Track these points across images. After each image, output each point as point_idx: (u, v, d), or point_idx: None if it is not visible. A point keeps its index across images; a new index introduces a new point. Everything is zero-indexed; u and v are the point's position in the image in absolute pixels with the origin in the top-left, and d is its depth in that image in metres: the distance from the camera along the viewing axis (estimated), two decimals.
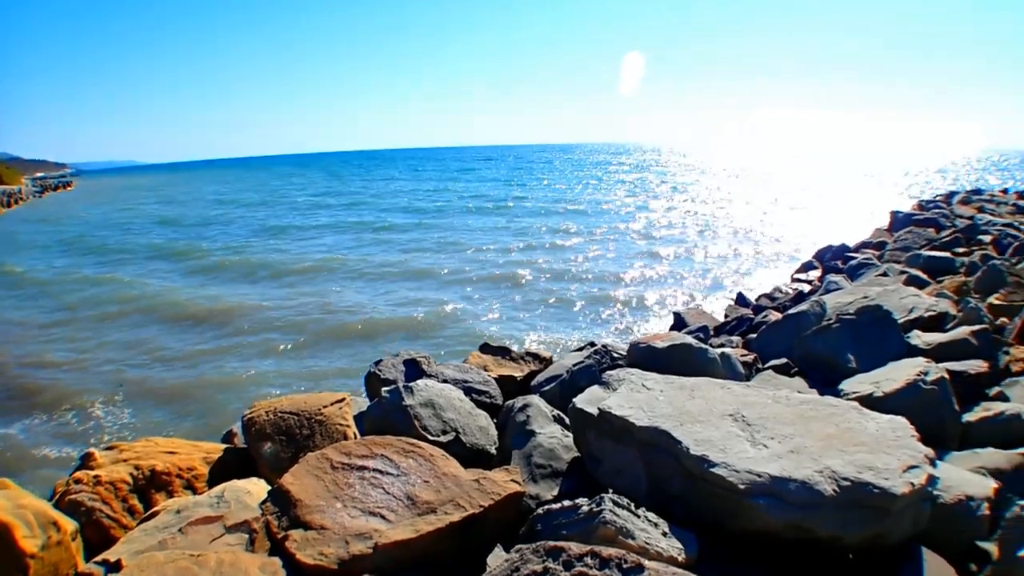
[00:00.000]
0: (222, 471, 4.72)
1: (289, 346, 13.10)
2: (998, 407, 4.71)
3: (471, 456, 4.62)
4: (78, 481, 4.26)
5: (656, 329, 13.25)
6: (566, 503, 3.26)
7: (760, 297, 12.79)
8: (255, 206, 47.01)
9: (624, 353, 6.01)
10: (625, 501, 3.18)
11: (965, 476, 3.70)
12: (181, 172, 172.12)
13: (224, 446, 5.19)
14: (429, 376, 5.95)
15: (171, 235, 32.93)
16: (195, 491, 4.53)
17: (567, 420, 4.63)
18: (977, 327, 6.12)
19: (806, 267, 16.12)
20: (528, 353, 7.04)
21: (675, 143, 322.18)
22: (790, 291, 12.52)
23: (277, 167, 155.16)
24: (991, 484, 3.61)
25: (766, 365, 6.14)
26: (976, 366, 5.38)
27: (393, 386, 5.03)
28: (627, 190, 53.70)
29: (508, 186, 58.30)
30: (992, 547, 3.33)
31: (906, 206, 26.67)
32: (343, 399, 5.09)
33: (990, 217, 17.45)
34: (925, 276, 9.49)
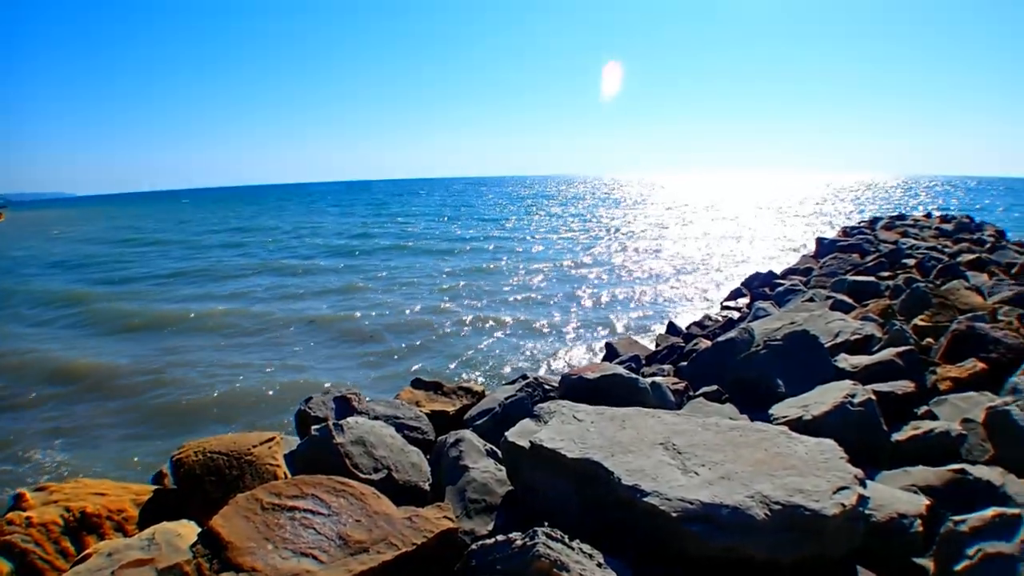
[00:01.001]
0: (153, 513, 4.67)
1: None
2: (927, 425, 4.97)
3: (404, 493, 4.66)
4: (11, 523, 4.25)
5: (589, 360, 13.44)
6: (500, 537, 3.32)
7: (691, 325, 13.12)
8: (168, 245, 45.26)
9: (556, 385, 6.15)
10: (559, 533, 3.24)
11: (897, 494, 3.87)
12: (115, 204, 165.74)
13: (154, 487, 5.10)
14: (360, 413, 6.01)
15: (51, 277, 30.99)
16: (126, 533, 4.49)
17: (501, 454, 4.70)
18: (903, 348, 6.45)
19: (735, 294, 16.58)
20: (460, 387, 7.15)
21: (610, 177, 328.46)
22: (720, 319, 12.86)
23: (217, 200, 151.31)
24: (923, 501, 3.80)
25: (697, 392, 6.33)
26: (903, 386, 5.64)
27: (323, 424, 5.07)
28: (560, 222, 54.42)
29: (437, 221, 58.18)
30: (928, 563, 3.49)
31: (830, 233, 27.79)
32: (273, 438, 5.10)
33: (913, 241, 18.40)
34: (851, 300, 9.91)
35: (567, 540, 3.21)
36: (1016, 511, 3.49)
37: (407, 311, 19.32)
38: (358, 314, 18.72)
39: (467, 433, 5.18)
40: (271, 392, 12.28)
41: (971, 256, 14.67)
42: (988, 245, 18.19)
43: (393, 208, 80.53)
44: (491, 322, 17.60)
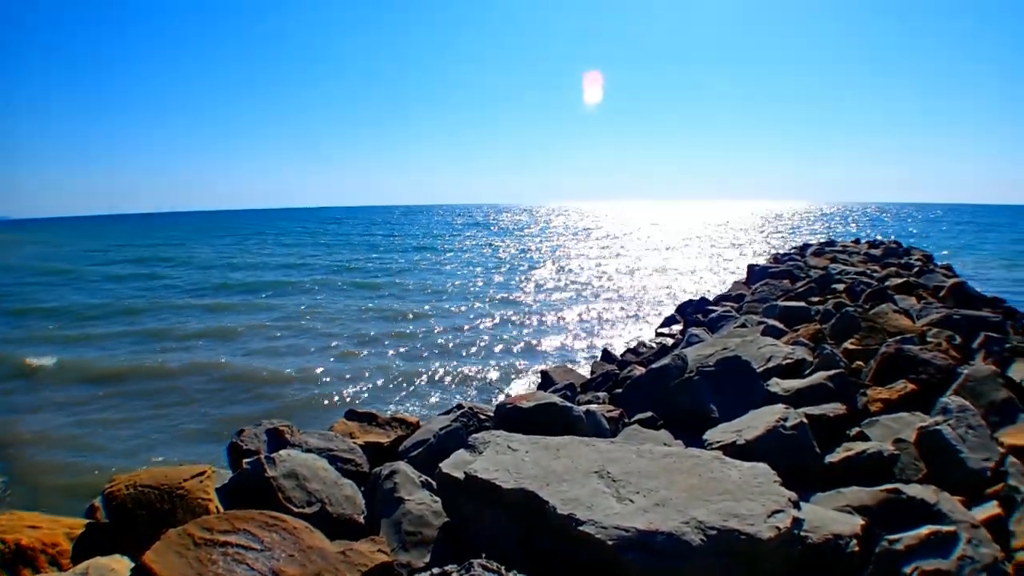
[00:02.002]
0: (86, 547, 4.60)
1: None
2: (859, 446, 5.10)
3: (338, 527, 4.63)
4: None
5: (524, 388, 13.45)
6: (436, 570, 3.34)
7: (625, 352, 13.28)
8: (54, 275, 42.54)
9: (491, 415, 6.25)
10: (495, 565, 3.28)
11: (832, 515, 3.96)
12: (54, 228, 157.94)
13: (86, 521, 4.99)
14: (292, 445, 5.97)
15: None
16: (60, 567, 4.42)
17: (436, 485, 4.71)
18: (834, 372, 6.66)
19: (669, 321, 16.86)
20: (395, 418, 7.14)
21: (548, 206, 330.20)
22: (654, 345, 13.05)
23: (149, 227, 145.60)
24: (858, 521, 3.90)
25: (632, 419, 6.42)
26: (835, 409, 5.80)
27: (255, 457, 5.06)
28: (494, 250, 54.55)
29: (360, 249, 57.51)
30: None
31: (761, 260, 28.50)
32: (204, 471, 5.04)
33: (843, 267, 19.00)
34: (782, 325, 10.15)
35: (503, 571, 3.25)
36: (951, 528, 3.60)
37: (333, 342, 19.01)
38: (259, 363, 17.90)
39: (402, 465, 5.21)
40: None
41: (899, 280, 15.20)
42: (916, 269, 18.92)
43: (322, 237, 78.88)
44: (425, 352, 17.46)
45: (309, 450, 5.78)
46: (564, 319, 21.89)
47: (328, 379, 15.12)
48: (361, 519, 4.86)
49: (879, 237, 38.65)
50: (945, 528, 3.60)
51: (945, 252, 38.02)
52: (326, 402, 13.35)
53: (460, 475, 4.19)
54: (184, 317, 23.63)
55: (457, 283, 31.77)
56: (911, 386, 6.66)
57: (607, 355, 13.10)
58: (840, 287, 14.45)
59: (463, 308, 24.30)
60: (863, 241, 33.63)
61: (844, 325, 9.42)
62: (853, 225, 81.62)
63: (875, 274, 17.40)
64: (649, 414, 6.40)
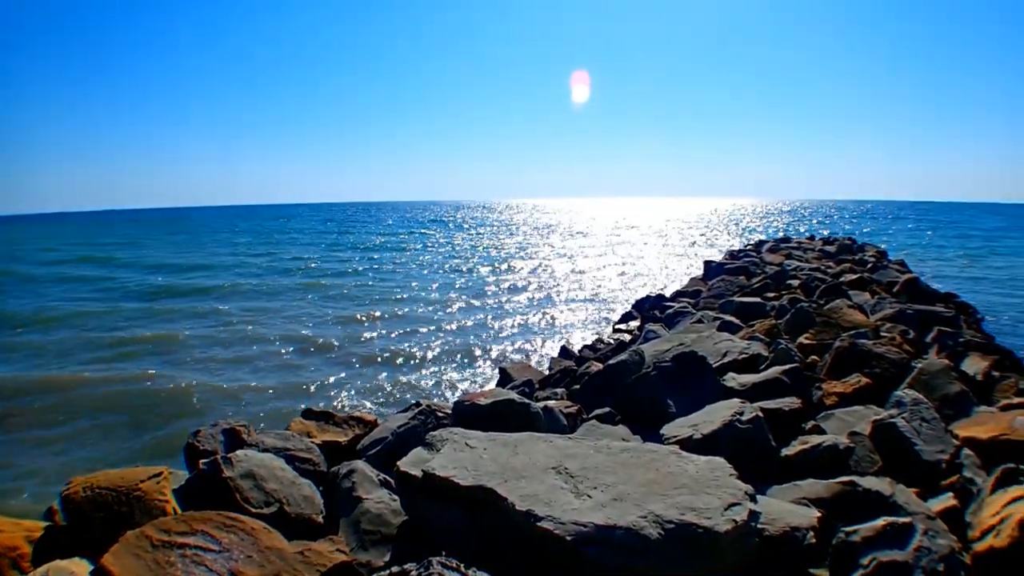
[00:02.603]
0: (46, 550, 4.57)
1: None
2: (815, 439, 5.18)
3: (297, 527, 4.61)
4: None
5: (483, 386, 13.40)
6: (395, 569, 3.32)
7: (583, 349, 13.32)
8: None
9: (449, 412, 6.24)
10: (455, 562, 3.27)
11: (788, 508, 4.02)
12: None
13: (45, 524, 4.94)
14: (249, 446, 5.90)
15: None
16: (22, 571, 4.41)
17: (394, 483, 4.71)
18: (789, 366, 6.77)
19: (626, 317, 16.97)
20: (352, 417, 7.10)
21: (507, 202, 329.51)
22: (612, 341, 13.11)
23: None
24: (814, 513, 3.95)
25: (590, 415, 6.45)
26: (790, 403, 5.89)
27: (211, 458, 5.02)
28: (454, 248, 54.35)
29: (315, 247, 56.72)
30: (823, 573, 3.61)
31: (718, 256, 28.82)
32: (160, 473, 5.00)
33: (798, 263, 19.31)
34: (738, 321, 10.29)
35: (463, 568, 3.24)
36: (907, 520, 3.66)
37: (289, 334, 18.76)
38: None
39: (360, 463, 5.21)
40: None
41: (853, 276, 15.51)
42: (870, 265, 19.31)
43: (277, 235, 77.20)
44: (383, 351, 17.32)
45: (266, 450, 5.74)
46: (523, 316, 21.89)
47: (283, 380, 14.90)
48: (320, 519, 4.84)
49: (831, 234, 39.23)
50: (901, 520, 3.65)
51: (906, 252, 38.78)
52: (282, 403, 13.17)
53: (418, 473, 4.19)
54: (121, 323, 22.40)
55: (414, 282, 31.56)
56: (865, 380, 6.79)
57: (565, 352, 13.13)
58: (795, 283, 14.70)
59: (421, 306, 24.17)
60: (818, 238, 34.25)
61: (799, 320, 9.57)
62: (814, 222, 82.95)
63: (830, 270, 17.72)
64: (607, 409, 6.44)
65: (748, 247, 30.31)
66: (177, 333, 19.98)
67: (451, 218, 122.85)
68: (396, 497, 4.67)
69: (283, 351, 17.51)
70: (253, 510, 4.58)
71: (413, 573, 3.19)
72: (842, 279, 14.91)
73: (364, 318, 21.79)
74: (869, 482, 4.31)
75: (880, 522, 3.60)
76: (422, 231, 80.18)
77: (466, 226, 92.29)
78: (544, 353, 16.41)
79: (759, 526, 3.53)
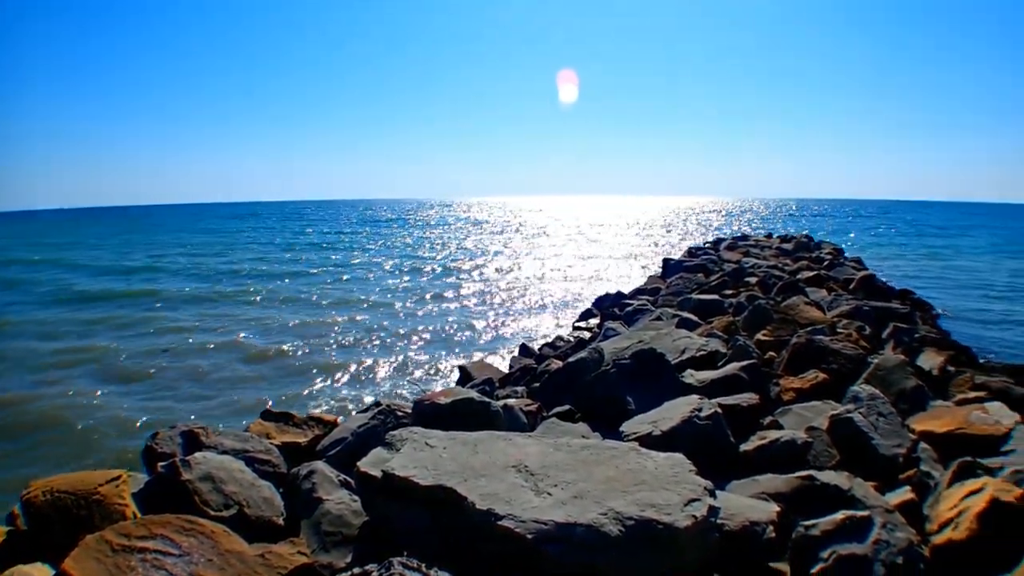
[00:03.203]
0: (8, 554, 4.53)
1: None
2: (773, 435, 5.25)
3: (257, 529, 4.58)
4: None
5: (443, 384, 13.35)
6: (356, 570, 3.33)
7: (543, 347, 13.33)
8: None
9: (409, 412, 6.23)
10: (416, 562, 3.26)
11: (748, 503, 4.07)
12: None
13: (7, 528, 4.91)
14: (207, 448, 5.83)
15: None
16: None
17: (355, 484, 4.70)
18: (746, 362, 6.86)
19: (586, 315, 17.01)
20: (311, 418, 7.07)
21: (468, 201, 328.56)
22: (572, 339, 13.16)
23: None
24: (774, 508, 4.01)
25: (550, 413, 6.48)
26: (748, 399, 5.97)
27: (170, 460, 4.99)
28: (411, 245, 54.06)
29: (268, 248, 55.84)
30: (784, 567, 3.64)
31: (676, 254, 29.06)
32: (119, 476, 4.95)
33: (755, 260, 19.54)
34: (696, 318, 10.37)
35: (425, 568, 3.24)
36: (865, 513, 3.72)
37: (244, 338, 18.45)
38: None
39: (320, 464, 5.19)
40: None
41: (810, 273, 15.75)
42: (826, 262, 19.63)
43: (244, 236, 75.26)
44: (342, 351, 17.17)
45: (225, 452, 5.70)
46: (483, 315, 21.87)
47: (243, 382, 14.70)
48: (280, 521, 4.83)
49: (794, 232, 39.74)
50: (859, 513, 3.70)
51: (865, 249, 39.37)
52: (240, 404, 12.99)
53: (378, 473, 4.18)
54: (55, 332, 20.56)
55: (373, 282, 31.35)
56: (822, 375, 6.89)
57: (525, 350, 13.14)
58: (753, 280, 14.88)
59: (380, 306, 23.98)
60: (775, 235, 34.69)
61: (757, 317, 9.68)
62: (781, 221, 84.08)
63: (787, 267, 17.98)
64: (567, 407, 6.48)
65: (707, 245, 30.60)
66: (110, 344, 18.68)
67: (411, 216, 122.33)
68: (357, 498, 4.65)
69: (236, 355, 17.25)
70: (213, 513, 4.56)
71: (374, 574, 3.19)
72: (799, 276, 15.12)
73: (322, 319, 21.56)
74: (827, 476, 4.38)
75: (839, 516, 3.65)
76: (382, 229, 79.71)
77: (427, 224, 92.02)
78: (505, 351, 16.42)
79: (719, 521, 3.57)
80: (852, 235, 57.49)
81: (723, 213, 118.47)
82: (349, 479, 4.94)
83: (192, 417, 11.72)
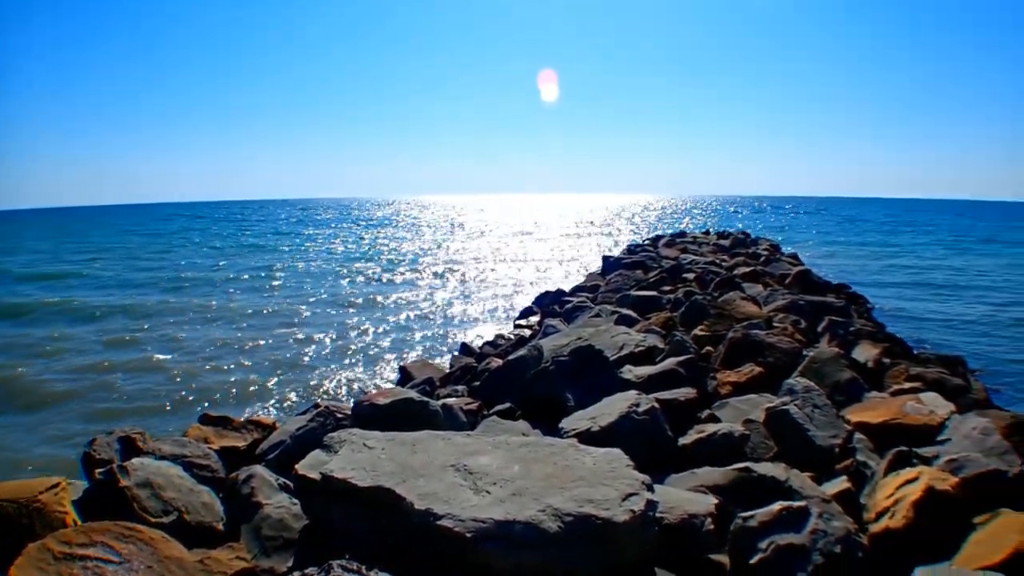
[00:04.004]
0: None
1: None
2: (710, 428, 5.33)
3: (197, 535, 4.53)
4: None
5: (384, 385, 13.25)
6: (296, 574, 3.33)
7: (484, 345, 13.30)
8: None
9: (348, 413, 6.21)
10: (355, 564, 3.23)
11: (686, 496, 4.13)
12: None
13: None
14: (145, 453, 5.76)
15: None
16: None
17: (293, 487, 4.68)
18: (684, 357, 6.97)
19: (526, 313, 17.05)
20: (250, 421, 7.01)
21: (406, 200, 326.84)
22: (512, 337, 13.16)
23: None
24: (712, 500, 4.08)
25: (491, 411, 6.52)
26: (686, 393, 6.06)
27: (107, 467, 4.94)
28: (349, 246, 53.48)
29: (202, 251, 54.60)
30: (724, 559, 3.71)
31: (615, 251, 29.31)
32: (58, 484, 4.87)
33: (693, 257, 19.80)
34: (635, 314, 10.46)
35: (364, 570, 3.21)
36: (802, 503, 3.78)
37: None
38: None
39: (258, 468, 5.15)
40: None
41: (747, 269, 16.00)
42: (763, 258, 19.97)
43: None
44: (284, 354, 16.91)
45: (163, 457, 5.65)
46: (424, 315, 21.79)
47: (178, 388, 14.36)
48: (220, 526, 4.80)
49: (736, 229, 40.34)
50: (796, 504, 3.76)
51: (801, 245, 40.15)
52: (177, 409, 12.71)
53: (316, 476, 4.16)
54: None
55: (309, 284, 30.92)
56: (758, 369, 7.01)
57: (466, 348, 13.12)
58: (690, 276, 15.08)
59: (318, 308, 23.67)
60: (713, 232, 35.21)
61: (694, 312, 9.80)
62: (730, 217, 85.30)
63: (724, 263, 18.26)
64: (507, 405, 6.52)
65: (646, 242, 30.88)
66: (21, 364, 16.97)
67: (345, 216, 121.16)
68: (297, 501, 4.63)
69: (171, 366, 16.78)
70: (152, 519, 4.52)
71: None
72: (736, 272, 15.36)
73: (258, 323, 21.18)
74: (764, 468, 4.45)
75: (776, 507, 3.70)
76: (323, 230, 78.77)
77: (369, 224, 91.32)
78: (446, 350, 16.38)
79: (658, 515, 3.60)
80: (788, 229, 58.77)
81: (663, 211, 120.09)
82: (289, 482, 4.90)
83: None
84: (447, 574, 3.40)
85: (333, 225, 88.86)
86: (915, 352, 9.80)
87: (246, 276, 35.59)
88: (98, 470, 5.04)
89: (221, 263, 42.68)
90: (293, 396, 13.35)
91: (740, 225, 55.05)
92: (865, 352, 8.01)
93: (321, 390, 13.76)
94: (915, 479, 4.03)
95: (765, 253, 21.88)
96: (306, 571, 3.27)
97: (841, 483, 4.56)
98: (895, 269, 29.97)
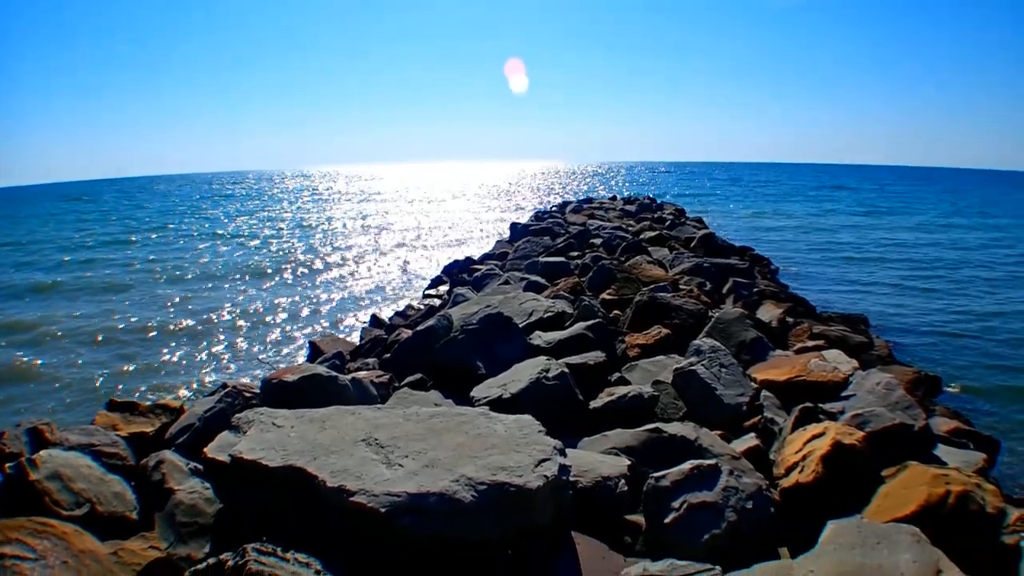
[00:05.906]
0: None
1: None
2: (620, 390, 5.43)
3: (111, 526, 4.43)
4: None
5: (295, 361, 13.01)
6: (211, 560, 3.19)
7: (394, 316, 13.24)
8: None
9: (257, 392, 6.10)
10: (271, 547, 3.16)
11: (599, 458, 4.18)
12: None
13: None
14: (53, 444, 5.58)
15: None
16: None
17: (204, 471, 4.57)
18: (592, 321, 7.04)
19: (436, 282, 17.03)
20: (157, 405, 6.81)
21: (309, 170, 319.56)
22: (422, 307, 13.14)
23: None
24: (624, 462, 4.14)
25: (402, 383, 6.46)
26: (595, 357, 6.15)
27: (16, 461, 4.77)
28: (249, 220, 52.00)
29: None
30: (639, 519, 3.77)
31: (523, 218, 29.36)
32: None
33: (600, 222, 19.95)
34: (543, 280, 10.56)
35: (280, 552, 3.14)
36: (712, 462, 3.86)
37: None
38: None
39: (167, 454, 5.05)
40: None
41: (653, 233, 16.28)
42: (668, 222, 20.30)
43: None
44: (188, 333, 16.35)
45: (71, 448, 5.48)
46: (332, 288, 21.42)
47: (77, 376, 13.78)
48: (134, 515, 4.67)
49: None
50: (707, 462, 3.84)
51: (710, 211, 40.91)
52: (82, 399, 12.19)
53: (226, 458, 4.07)
54: None
55: (210, 260, 29.95)
56: (665, 331, 7.14)
57: (376, 320, 13.00)
58: (598, 241, 15.27)
59: (221, 284, 23.03)
60: (619, 198, 35.60)
61: (602, 277, 9.91)
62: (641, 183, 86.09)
63: (630, 228, 18.49)
64: (418, 376, 6.50)
65: (553, 208, 31.04)
66: None
67: (243, 190, 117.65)
68: (209, 485, 4.53)
69: (73, 348, 16.13)
70: (65, 513, 4.41)
71: (229, 563, 3.10)
72: (642, 236, 15.60)
73: (159, 304, 20.50)
74: (674, 428, 4.55)
75: (687, 466, 3.77)
76: (224, 206, 76.25)
77: (272, 198, 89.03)
78: (355, 324, 16.18)
79: (571, 479, 3.63)
80: (697, 195, 59.83)
81: (569, 175, 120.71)
82: (200, 466, 4.80)
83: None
84: (367, 548, 3.37)
85: (229, 201, 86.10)
86: (818, 312, 10.14)
87: (147, 258, 34.33)
88: (8, 464, 4.89)
89: (116, 244, 41.16)
90: (202, 378, 13.01)
91: (652, 191, 55.93)
92: (769, 312, 8.24)
93: (230, 371, 13.44)
94: (822, 434, 4.15)
95: (670, 217, 22.27)
96: (221, 556, 3.19)
97: (750, 440, 4.69)
98: (807, 234, 30.75)
